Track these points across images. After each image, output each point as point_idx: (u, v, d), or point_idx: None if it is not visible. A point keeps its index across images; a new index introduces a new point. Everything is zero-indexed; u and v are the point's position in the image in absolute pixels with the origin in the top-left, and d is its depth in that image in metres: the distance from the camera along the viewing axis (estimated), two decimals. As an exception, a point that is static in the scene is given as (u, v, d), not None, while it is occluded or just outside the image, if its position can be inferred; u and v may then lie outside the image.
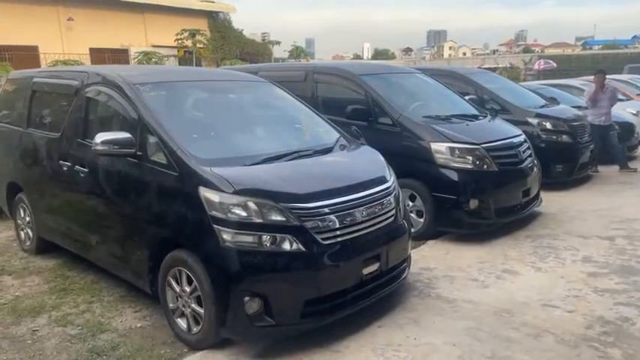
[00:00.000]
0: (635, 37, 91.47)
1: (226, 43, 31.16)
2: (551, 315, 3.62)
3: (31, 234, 5.14)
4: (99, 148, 3.46)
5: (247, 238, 3.04)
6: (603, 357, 3.08)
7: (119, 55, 25.86)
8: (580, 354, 3.11)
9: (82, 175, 4.08)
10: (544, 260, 4.68)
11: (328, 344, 3.27)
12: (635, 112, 10.93)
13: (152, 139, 3.48)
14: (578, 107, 8.88)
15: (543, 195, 6.21)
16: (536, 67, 31.29)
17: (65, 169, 4.27)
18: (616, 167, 8.61)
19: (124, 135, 3.53)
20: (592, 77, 9.09)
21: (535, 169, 5.87)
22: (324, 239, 3.19)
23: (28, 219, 5.13)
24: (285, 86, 4.98)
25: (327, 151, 3.94)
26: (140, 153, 3.51)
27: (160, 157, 3.42)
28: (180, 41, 27.48)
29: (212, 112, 4.18)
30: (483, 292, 4.04)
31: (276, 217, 3.11)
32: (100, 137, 3.47)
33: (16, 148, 5.13)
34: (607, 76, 9.06)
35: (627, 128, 9.60)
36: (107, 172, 3.82)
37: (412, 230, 4.83)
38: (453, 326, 3.50)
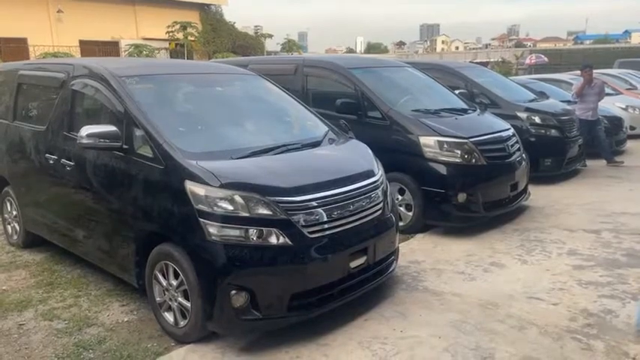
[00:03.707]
0: (626, 31, 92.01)
1: (218, 35, 30.97)
2: (535, 307, 3.65)
3: (17, 228, 5.11)
4: (84, 141, 3.43)
5: (234, 232, 3.04)
6: (586, 349, 3.12)
7: (109, 48, 25.66)
8: (563, 346, 3.15)
9: (68, 168, 4.05)
10: (531, 253, 4.72)
11: (315, 337, 3.29)
12: (624, 107, 11.04)
13: (138, 132, 3.46)
14: (568, 102, 8.94)
15: (532, 189, 6.25)
16: (527, 61, 31.37)
17: (51, 162, 4.24)
18: (604, 161, 8.69)
19: (109, 128, 3.50)
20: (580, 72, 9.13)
21: (523, 163, 5.91)
22: (311, 233, 3.19)
23: (14, 213, 5.10)
24: (275, 79, 4.96)
25: (315, 144, 3.94)
26: (126, 146, 3.49)
27: (146, 151, 3.40)
28: (171, 34, 27.30)
29: (199, 105, 4.16)
30: (470, 285, 4.07)
31: (263, 211, 3.10)
32: (86, 130, 3.44)
33: (2, 142, 5.09)
34: (597, 71, 9.12)
35: (616, 122, 9.68)
36: (93, 166, 3.80)
37: (401, 224, 4.87)
38: (439, 319, 3.53)
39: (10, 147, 4.97)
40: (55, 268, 4.60)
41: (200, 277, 3.09)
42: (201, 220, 3.05)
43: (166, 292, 3.37)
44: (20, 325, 3.61)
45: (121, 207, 3.61)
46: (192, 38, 28.14)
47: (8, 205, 5.20)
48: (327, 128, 4.30)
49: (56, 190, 4.35)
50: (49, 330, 3.51)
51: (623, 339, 3.20)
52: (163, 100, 3.98)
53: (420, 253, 4.80)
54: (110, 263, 3.91)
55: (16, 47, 21.91)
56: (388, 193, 3.94)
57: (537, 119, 7.49)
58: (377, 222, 3.65)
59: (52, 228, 4.55)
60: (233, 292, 3.02)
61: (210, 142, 3.65)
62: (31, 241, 5.03)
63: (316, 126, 4.35)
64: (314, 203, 3.24)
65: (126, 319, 3.64)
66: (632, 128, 10.93)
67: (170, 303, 3.35)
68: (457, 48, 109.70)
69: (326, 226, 3.27)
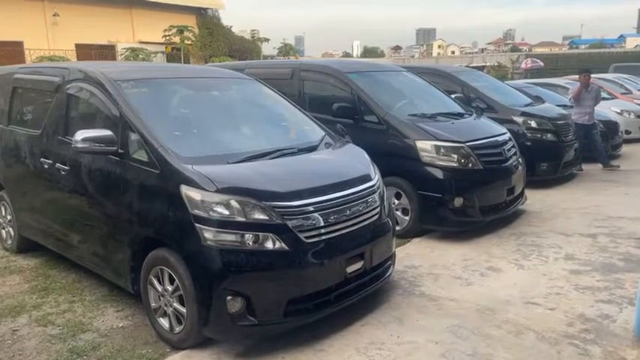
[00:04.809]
0: (621, 36, 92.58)
1: (215, 39, 30.93)
2: (532, 312, 3.64)
3: (12, 232, 5.07)
4: (79, 145, 3.41)
5: (229, 237, 3.02)
6: (583, 354, 3.11)
7: (106, 51, 25.60)
8: (560, 351, 3.14)
9: (63, 173, 4.02)
10: (527, 258, 4.71)
11: (311, 343, 3.27)
12: (619, 111, 11.09)
13: (134, 137, 3.44)
14: (564, 106, 8.97)
15: (528, 193, 6.25)
16: (523, 65, 31.55)
17: (46, 166, 4.22)
18: (600, 165, 8.71)
19: (105, 132, 3.48)
20: (577, 76, 9.17)
21: (520, 167, 5.91)
22: (307, 238, 3.18)
23: (9, 217, 5.06)
24: (271, 83, 4.96)
25: (312, 149, 3.93)
26: (122, 151, 3.47)
27: (141, 155, 3.38)
28: (167, 38, 27.24)
29: (195, 110, 4.14)
30: (467, 290, 4.06)
31: (259, 216, 3.09)
32: (81, 135, 3.42)
33: (-3, 146, 5.05)
34: (593, 75, 9.16)
35: (611, 127, 9.72)
36: (88, 170, 3.78)
37: (398, 228, 4.86)
38: (436, 324, 3.51)
39: (4, 151, 4.94)
40: (49, 274, 4.56)
41: (196, 282, 3.07)
42: (197, 225, 3.03)
43: (162, 298, 3.34)
44: (14, 331, 3.57)
45: (116, 212, 3.58)
46: (189, 42, 28.11)
47: (2, 209, 5.16)
48: (323, 132, 4.29)
49: (51, 195, 4.32)
50: (43, 336, 3.48)
51: (621, 344, 3.19)
52: (159, 104, 3.96)
53: (416, 258, 4.79)
54: (105, 268, 3.88)
55: (12, 51, 21.83)
56: (385, 197, 3.92)
57: (533, 123, 7.51)
58: (374, 227, 3.64)
59: (46, 233, 4.52)
60: (229, 297, 3.00)
61: (206, 146, 3.64)
62: (25, 246, 4.99)
63: (313, 130, 4.35)
64: (310, 208, 3.23)
65: (121, 325, 3.61)
66: (628, 132, 10.97)
67: (165, 308, 3.33)
68: (453, 52, 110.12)
69: (322, 230, 3.26)
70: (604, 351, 3.13)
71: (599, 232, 5.35)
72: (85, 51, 24.31)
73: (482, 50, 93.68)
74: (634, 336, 3.26)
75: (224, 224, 3.03)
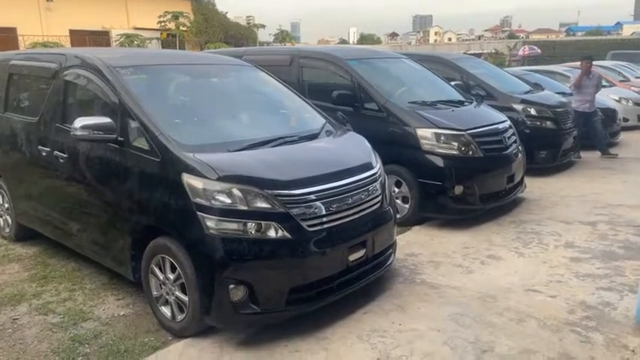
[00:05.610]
0: (618, 23, 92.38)
1: (210, 26, 30.65)
2: (534, 300, 3.65)
3: (10, 221, 5.03)
4: (78, 133, 3.37)
5: (232, 226, 3.00)
6: (585, 341, 3.12)
7: (100, 38, 25.33)
8: (562, 338, 3.15)
9: (61, 160, 3.98)
10: (527, 246, 4.72)
11: (314, 331, 3.27)
12: (617, 99, 11.08)
13: (133, 124, 3.40)
14: (562, 93, 8.94)
15: (527, 181, 6.25)
16: (520, 52, 31.42)
17: (44, 154, 4.17)
18: (598, 153, 8.71)
19: (104, 120, 3.43)
20: (577, 63, 9.13)
21: (520, 155, 5.90)
22: (309, 226, 3.16)
23: (6, 205, 5.02)
24: (270, 70, 4.90)
25: (313, 137, 3.90)
26: (121, 138, 3.43)
27: (141, 143, 3.34)
28: (162, 24, 26.99)
29: (195, 97, 4.09)
30: (468, 278, 4.07)
31: (261, 204, 3.07)
32: (80, 122, 3.37)
33: (-7, 133, 4.99)
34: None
35: (610, 114, 9.71)
36: (87, 158, 3.74)
37: (398, 216, 4.84)
38: (437, 312, 3.52)
39: (1, 139, 4.88)
40: (48, 262, 4.54)
41: (198, 270, 3.05)
42: (199, 213, 3.01)
43: (163, 286, 3.33)
44: (14, 319, 3.55)
45: (116, 200, 3.55)
46: (184, 28, 27.84)
47: (0, 197, 5.12)
48: (324, 120, 4.25)
49: (49, 183, 4.28)
50: (44, 324, 3.47)
51: (622, 331, 3.20)
52: (159, 91, 3.92)
53: (416, 246, 4.79)
54: (105, 257, 3.85)
55: (5, 37, 21.57)
56: (386, 185, 3.91)
57: (533, 111, 7.49)
58: (375, 215, 3.63)
59: (45, 221, 4.48)
60: (231, 285, 2.99)
61: (207, 134, 3.61)
62: (23, 234, 4.96)
63: (313, 118, 4.31)
64: (312, 196, 3.21)
65: (122, 313, 3.60)
66: (626, 120, 10.97)
67: (167, 297, 3.32)
68: (450, 39, 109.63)
69: (324, 219, 3.24)
70: (606, 338, 3.14)
71: (599, 220, 5.36)
72: (79, 37, 24.05)
73: (480, 37, 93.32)
74: (635, 323, 3.27)
75: (226, 213, 3.01)
